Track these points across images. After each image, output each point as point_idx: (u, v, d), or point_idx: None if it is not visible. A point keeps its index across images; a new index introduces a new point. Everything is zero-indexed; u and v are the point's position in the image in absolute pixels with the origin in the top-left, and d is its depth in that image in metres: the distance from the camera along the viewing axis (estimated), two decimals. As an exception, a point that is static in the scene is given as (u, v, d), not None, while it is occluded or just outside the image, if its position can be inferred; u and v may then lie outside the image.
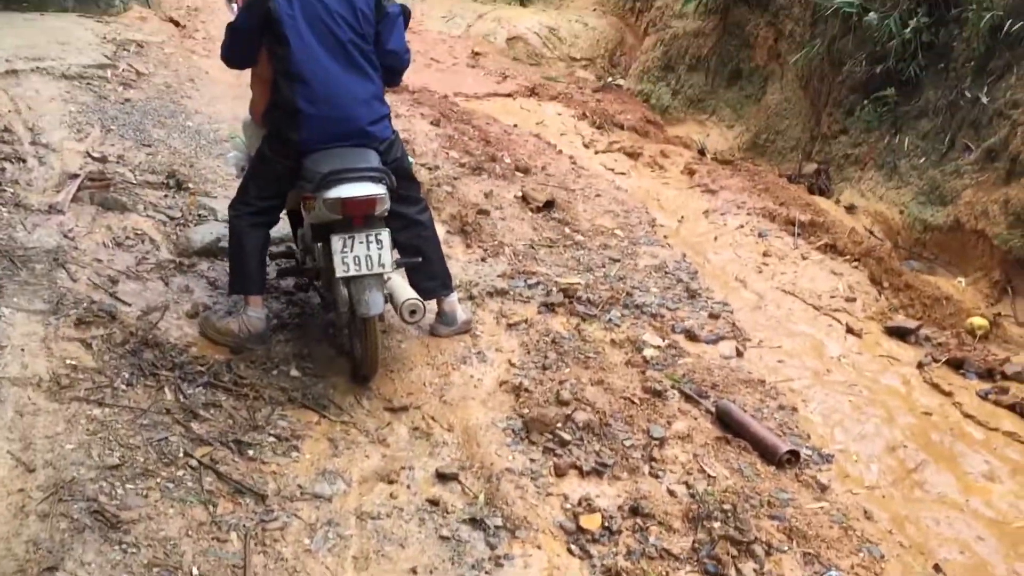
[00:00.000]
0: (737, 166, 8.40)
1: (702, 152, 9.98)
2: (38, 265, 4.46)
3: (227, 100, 8.23)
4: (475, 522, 3.22)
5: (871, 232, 7.30)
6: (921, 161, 7.62)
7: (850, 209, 7.88)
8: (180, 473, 3.22)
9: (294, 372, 4.08)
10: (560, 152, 8.46)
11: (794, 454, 3.72)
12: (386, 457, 3.57)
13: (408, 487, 3.39)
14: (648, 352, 4.53)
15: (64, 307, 4.12)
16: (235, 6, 4.41)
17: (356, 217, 3.71)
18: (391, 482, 3.40)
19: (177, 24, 11.17)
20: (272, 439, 3.53)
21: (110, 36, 9.02)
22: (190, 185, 5.88)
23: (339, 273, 3.70)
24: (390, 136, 4.11)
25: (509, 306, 4.99)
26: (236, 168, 4.84)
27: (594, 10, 13.69)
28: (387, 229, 3.80)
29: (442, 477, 3.46)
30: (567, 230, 6.28)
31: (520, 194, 6.83)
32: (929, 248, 7.02)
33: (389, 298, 4.06)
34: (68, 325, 3.99)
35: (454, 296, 4.56)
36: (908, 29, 7.94)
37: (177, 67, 8.88)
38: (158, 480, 3.16)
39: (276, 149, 3.99)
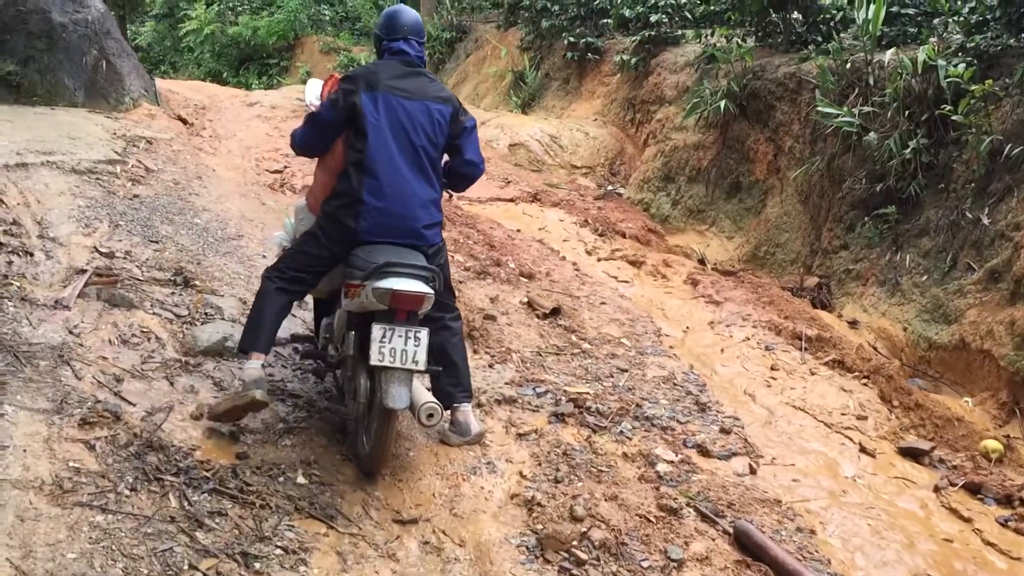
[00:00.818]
0: (740, 278, 8.44)
1: (702, 262, 10.07)
2: (42, 362, 4.38)
3: (235, 198, 8.27)
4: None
5: (875, 348, 7.30)
6: (923, 279, 7.69)
7: (852, 324, 7.90)
8: (185, 587, 3.09)
9: (300, 479, 3.97)
10: (564, 258, 8.51)
11: (817, 581, 3.61)
12: (396, 574, 3.44)
13: (420, 608, 3.26)
14: (661, 467, 4.44)
15: (68, 406, 4.03)
16: (315, 102, 4.66)
17: (401, 311, 3.79)
18: (402, 601, 3.27)
19: (185, 122, 11.35)
20: (279, 551, 3.40)
21: (120, 132, 9.13)
22: (197, 283, 5.85)
23: (373, 360, 3.73)
24: (439, 243, 4.30)
25: (518, 415, 4.91)
26: (278, 248, 4.99)
27: (595, 120, 13.98)
28: (427, 329, 3.85)
29: (455, 597, 3.33)
30: (574, 338, 6.25)
31: (526, 300, 6.83)
32: (934, 366, 7.02)
33: None
34: (72, 425, 3.89)
35: (469, 406, 4.51)
36: (908, 149, 8.11)
37: (185, 164, 8.96)
38: (162, 594, 3.03)
39: (329, 233, 4.18)
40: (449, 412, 4.45)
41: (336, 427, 4.51)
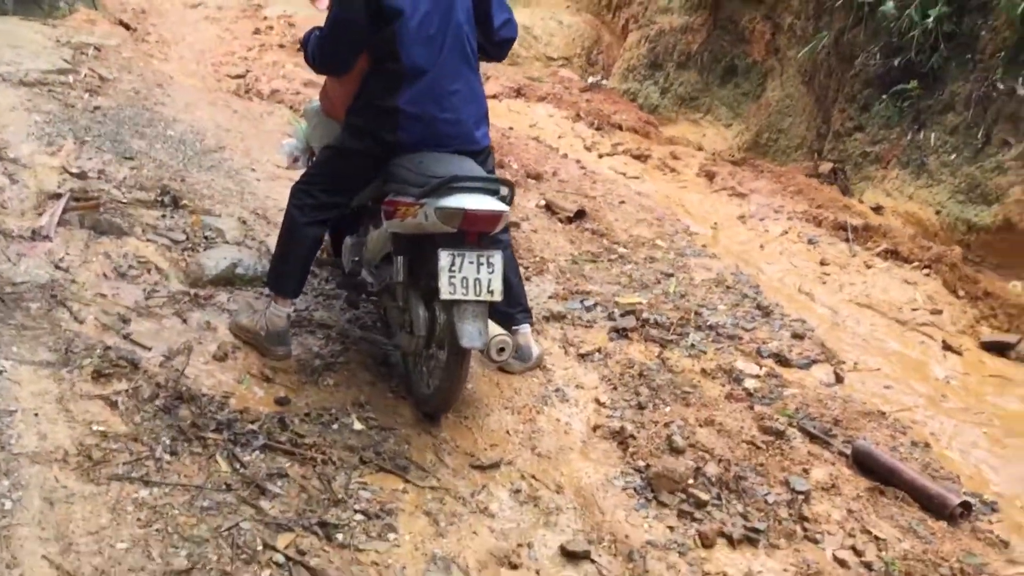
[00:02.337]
0: (758, 167, 7.88)
1: (700, 150, 9.53)
2: (33, 304, 3.75)
3: (203, 106, 7.50)
4: (631, 615, 2.64)
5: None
6: (952, 158, 7.23)
7: (877, 210, 7.44)
8: (266, 574, 2.56)
9: (357, 424, 3.44)
10: (565, 156, 7.90)
11: (966, 506, 3.21)
12: (496, 532, 2.96)
13: (536, 573, 2.78)
14: (748, 383, 3.99)
15: (75, 356, 3.42)
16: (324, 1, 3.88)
17: (471, 233, 3.20)
18: (514, 567, 2.80)
19: (127, 27, 10.38)
20: (360, 516, 2.88)
21: (63, 39, 8.23)
22: (186, 202, 5.16)
23: (444, 294, 3.15)
24: (488, 143, 3.64)
25: (573, 332, 4.41)
26: (288, 158, 4.41)
27: (567, 7, 13.15)
28: (500, 251, 3.26)
29: (571, 556, 2.86)
30: (606, 242, 5.72)
31: (543, 203, 6.26)
32: (975, 250, 6.61)
33: None
34: (85, 379, 3.30)
35: (528, 327, 3.96)
36: (930, 19, 7.55)
37: (141, 72, 8.11)
38: (241, 586, 2.51)
39: (361, 148, 3.57)
40: None
41: (378, 360, 3.97)
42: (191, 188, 5.42)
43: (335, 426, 3.40)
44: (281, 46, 10.52)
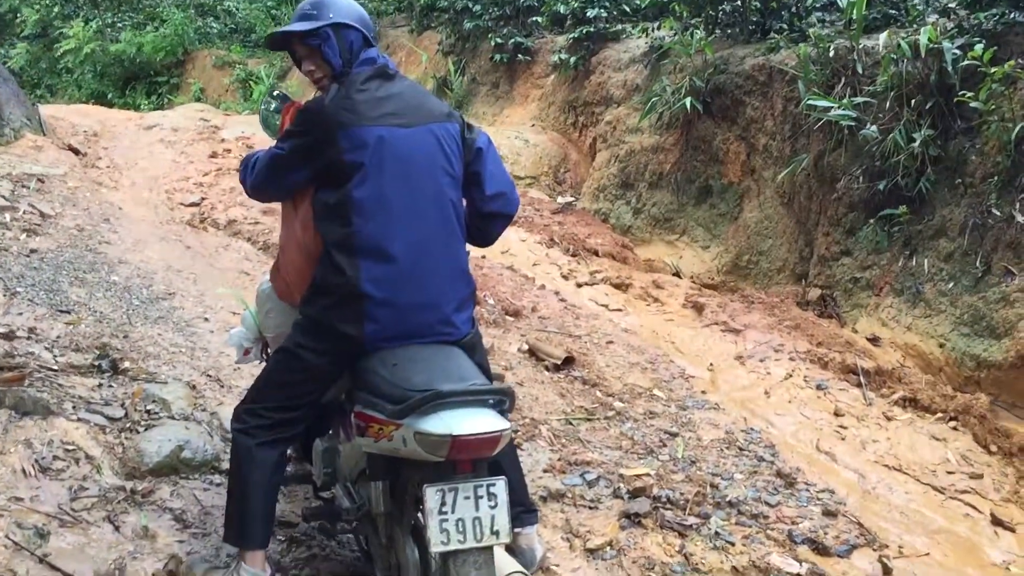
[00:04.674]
0: (747, 297, 7.45)
1: (677, 275, 9.14)
2: (-70, 519, 3.09)
3: (153, 243, 6.96)
4: None
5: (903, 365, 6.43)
6: (951, 286, 6.87)
7: (873, 341, 7.02)
8: None
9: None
10: (543, 287, 7.44)
11: None
12: None
13: None
14: (792, 587, 3.41)
15: (-26, 598, 2.76)
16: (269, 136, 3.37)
17: (464, 462, 2.55)
18: None
19: (77, 152, 9.89)
20: None
21: (3, 171, 7.70)
22: (128, 364, 4.56)
23: (435, 546, 2.48)
24: (472, 329, 2.99)
25: (576, 517, 3.83)
26: (237, 351, 3.63)
27: (532, 126, 12.93)
28: (504, 478, 2.60)
29: None
30: (599, 394, 5.19)
31: (527, 347, 5.74)
32: (986, 388, 6.18)
33: None
34: (-16, 633, 2.63)
35: (533, 528, 3.32)
36: (916, 142, 7.29)
37: (87, 204, 7.58)
38: None
39: (319, 346, 2.86)
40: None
41: (350, 568, 3.35)
42: (134, 346, 4.83)
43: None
44: (239, 170, 10.06)
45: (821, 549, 3.74)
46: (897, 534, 3.99)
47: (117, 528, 3.31)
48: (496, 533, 2.52)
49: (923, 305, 7.00)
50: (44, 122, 9.93)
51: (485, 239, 3.24)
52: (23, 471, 3.50)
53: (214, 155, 10.31)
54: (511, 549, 3.24)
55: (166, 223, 7.90)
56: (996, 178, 6.86)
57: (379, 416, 2.64)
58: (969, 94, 6.86)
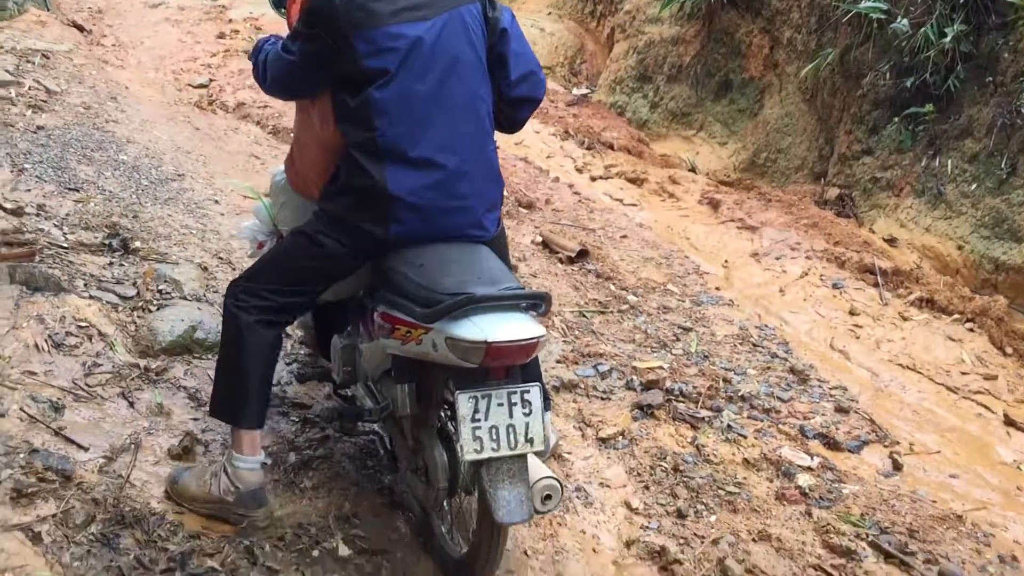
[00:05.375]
0: (765, 195, 7.33)
1: (693, 171, 8.99)
2: (-56, 390, 3.08)
3: (162, 123, 6.81)
4: None
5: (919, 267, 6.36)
6: (973, 187, 6.73)
7: (890, 242, 6.93)
8: None
9: (343, 549, 2.81)
10: (557, 180, 7.32)
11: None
12: None
13: None
14: (802, 480, 3.41)
15: (-9, 466, 2.76)
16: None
17: (497, 368, 2.44)
18: None
19: (82, 29, 9.60)
20: None
21: (7, 45, 7.48)
22: (139, 244, 4.50)
23: (468, 454, 2.39)
24: (500, 228, 2.86)
25: (589, 407, 3.82)
26: (252, 244, 3.50)
27: (549, 14, 12.56)
28: (538, 385, 2.50)
29: None
30: (613, 287, 5.14)
31: (540, 239, 5.66)
32: (1003, 290, 6.11)
33: None
34: (1, 501, 2.64)
35: (549, 415, 3.25)
36: (947, 38, 7.05)
37: (93, 82, 7.38)
38: None
39: (340, 240, 2.70)
40: None
41: (364, 449, 3.35)
42: (144, 226, 4.75)
43: (315, 552, 2.77)
44: (248, 52, 9.79)
45: (832, 444, 3.75)
46: (908, 432, 3.99)
47: (132, 404, 3.31)
48: (531, 441, 2.43)
49: (944, 206, 6.88)
50: (48, -4, 9.64)
51: (512, 125, 3.01)
52: (36, 346, 3.47)
53: (221, 36, 10.03)
54: None
55: (173, 104, 7.74)
56: (1028, 77, 6.66)
57: (407, 319, 2.53)
58: (1004, -13, 6.61)
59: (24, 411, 3.08)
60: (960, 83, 7.13)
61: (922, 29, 7.19)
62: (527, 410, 2.43)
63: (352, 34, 2.58)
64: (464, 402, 2.40)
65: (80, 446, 3.00)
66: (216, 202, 5.30)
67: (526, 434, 2.42)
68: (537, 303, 2.51)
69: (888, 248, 6.20)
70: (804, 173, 8.54)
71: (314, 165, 2.89)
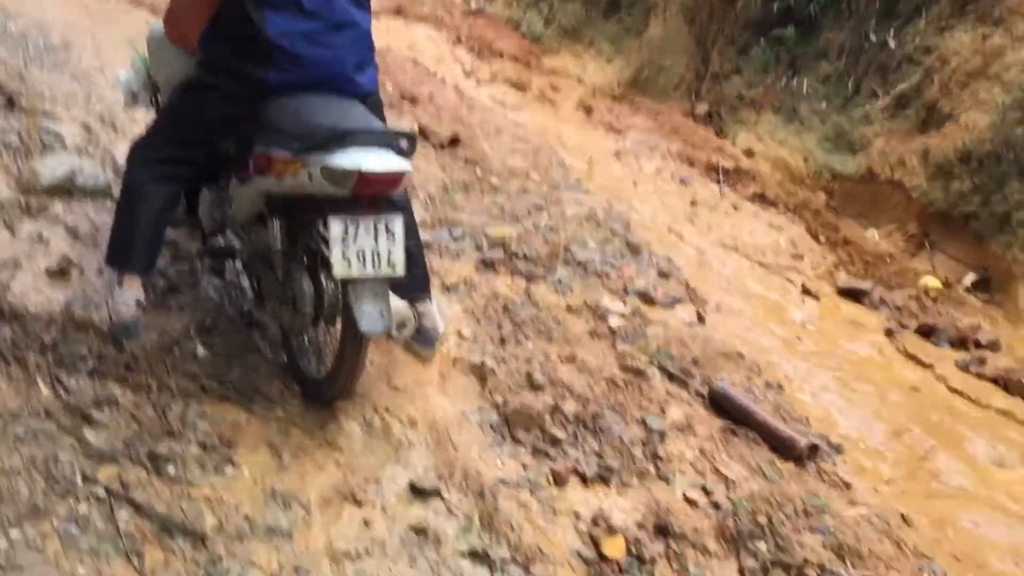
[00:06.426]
0: (636, 104, 7.83)
1: (580, 83, 9.42)
2: None
3: (53, 2, 6.90)
4: (477, 556, 2.56)
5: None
6: (823, 106, 7.34)
7: (748, 153, 7.52)
8: (83, 508, 2.36)
9: (200, 351, 3.22)
10: (444, 81, 7.67)
11: (813, 448, 3.26)
12: (343, 467, 2.83)
13: (382, 509, 2.67)
14: (613, 321, 3.94)
15: None
16: None
17: (366, 196, 2.71)
18: (358, 503, 2.67)
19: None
20: (196, 449, 2.70)
21: None
22: (23, 102, 4.74)
23: (338, 271, 2.66)
24: (376, 90, 3.15)
25: (439, 263, 4.27)
26: (126, 95, 3.79)
27: (451, -75, 12.71)
28: (401, 215, 2.78)
29: (419, 493, 2.76)
30: (478, 171, 5.57)
31: (417, 127, 6.04)
32: (837, 197, 6.76)
33: None
34: None
35: (433, 304, 3.36)
36: (810, -35, 7.58)
37: (-17, -44, 7.37)
38: (55, 521, 2.30)
39: (225, 86, 2.94)
40: None
41: (227, 284, 3.74)
42: (31, 88, 4.97)
43: (176, 351, 3.18)
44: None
45: (648, 300, 4.28)
46: (719, 296, 4.56)
47: (13, 233, 3.62)
48: (392, 265, 2.70)
49: (797, 123, 7.47)
50: None
51: None
52: (-79, 179, 3.75)
53: (119, -76, 9.96)
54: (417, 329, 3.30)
55: (67, -16, 7.78)
56: (876, 5, 7.25)
57: (284, 154, 2.75)
58: (860, -81, 7.14)
59: (-90, 229, 3.38)
60: (820, 8, 7.70)
61: (788, -45, 7.71)
62: (391, 238, 2.71)
63: None
64: (335, 225, 2.65)
65: (-36, 260, 3.32)
66: (101, 71, 5.52)
67: (388, 259, 2.70)
68: (407, 143, 2.77)
69: (738, 153, 6.74)
70: (682, 91, 9.04)
71: (194, 14, 3.08)
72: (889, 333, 4.45)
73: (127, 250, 3.10)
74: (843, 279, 4.98)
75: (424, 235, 4.43)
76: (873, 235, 6.16)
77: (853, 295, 4.80)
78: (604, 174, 6.14)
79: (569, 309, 4.02)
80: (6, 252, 3.46)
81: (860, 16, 7.38)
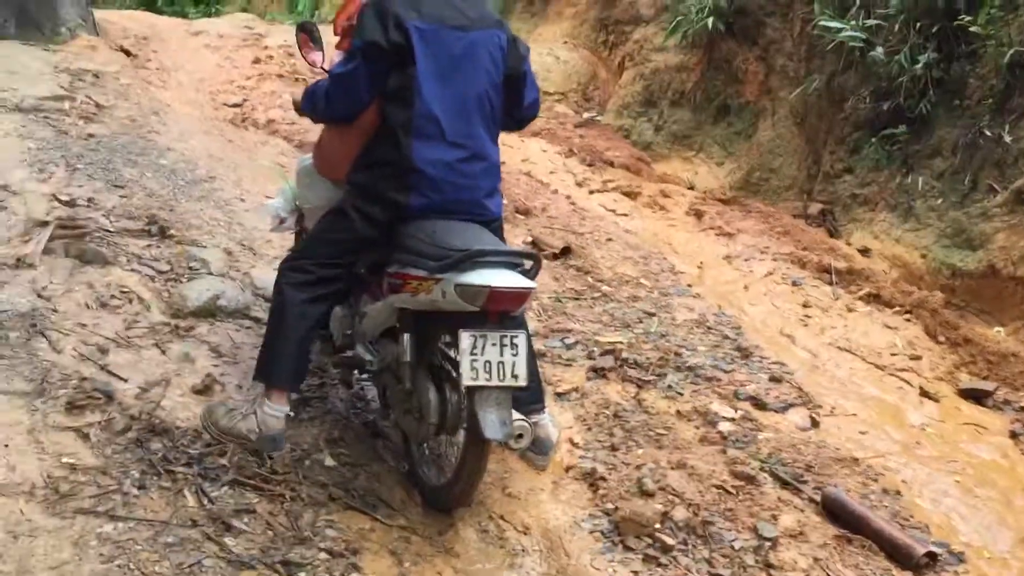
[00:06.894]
0: (747, 207, 7.94)
1: (692, 190, 9.60)
2: (12, 333, 3.76)
3: (198, 135, 7.56)
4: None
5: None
6: (939, 202, 7.29)
7: (864, 252, 7.50)
8: (225, 611, 2.58)
9: (329, 461, 3.46)
10: (556, 192, 7.96)
11: (932, 556, 3.22)
12: (459, 573, 2.97)
13: (499, 614, 2.79)
14: (723, 427, 4.01)
15: (50, 386, 3.44)
16: (318, 56, 3.78)
17: (493, 312, 2.97)
18: (476, 608, 2.81)
19: (128, 54, 10.44)
20: (324, 555, 2.89)
21: (61, 65, 8.29)
22: (174, 232, 5.20)
23: (466, 380, 2.90)
24: (501, 216, 3.44)
25: (552, 371, 4.43)
26: (273, 220, 4.19)
27: (565, 43, 13.26)
28: (525, 332, 3.05)
29: (534, 599, 2.87)
30: (590, 279, 5.76)
31: (530, 239, 6.30)
32: (959, 295, 6.65)
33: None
34: (58, 410, 3.31)
35: (547, 416, 3.66)
36: (919, 65, 7.64)
37: (138, 100, 8.16)
38: (199, 624, 2.52)
39: (368, 211, 3.25)
40: None
41: (355, 396, 3.99)
42: (179, 218, 5.46)
43: (307, 462, 3.42)
44: (280, 76, 10.58)
45: (760, 404, 4.32)
46: (833, 399, 4.55)
47: (163, 352, 3.98)
48: (516, 376, 2.94)
49: (913, 220, 7.44)
50: (98, 25, 10.49)
51: (514, 129, 3.73)
52: (86, 305, 4.17)
53: (257, 61, 10.83)
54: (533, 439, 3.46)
55: (210, 120, 8.50)
56: (991, 100, 7.23)
57: (419, 273, 3.05)
58: (968, 17, 7.19)
59: (76, 351, 3.77)
60: (932, 106, 7.71)
61: (897, 57, 7.79)
62: (515, 352, 2.95)
63: (409, 22, 3.12)
64: (466, 338, 2.91)
65: (121, 378, 3.67)
66: (242, 200, 6.00)
67: (512, 371, 2.93)
68: (532, 264, 3.08)
69: (851, 252, 6.75)
70: (794, 191, 9.13)
71: (345, 147, 3.42)
72: (1014, 435, 4.34)
73: (278, 366, 3.39)
74: (964, 380, 4.89)
75: (537, 344, 4.63)
76: (999, 333, 6.02)
77: (975, 396, 4.71)
78: (714, 278, 6.23)
79: (679, 415, 4.10)
80: (158, 371, 3.81)
81: (973, 113, 7.36)
